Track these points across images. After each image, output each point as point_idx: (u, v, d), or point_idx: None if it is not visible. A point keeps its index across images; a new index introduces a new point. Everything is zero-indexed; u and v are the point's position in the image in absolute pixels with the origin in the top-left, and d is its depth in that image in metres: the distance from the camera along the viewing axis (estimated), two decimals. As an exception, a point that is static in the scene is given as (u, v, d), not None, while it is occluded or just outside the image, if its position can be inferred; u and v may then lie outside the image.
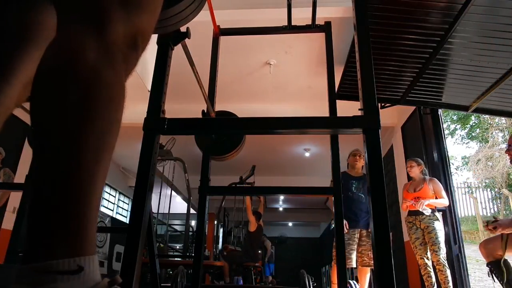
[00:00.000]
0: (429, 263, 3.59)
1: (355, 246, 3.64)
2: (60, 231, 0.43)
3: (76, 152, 0.46)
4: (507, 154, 3.00)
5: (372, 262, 3.46)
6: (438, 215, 3.73)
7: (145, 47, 0.64)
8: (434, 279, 3.53)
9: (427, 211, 3.66)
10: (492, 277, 2.72)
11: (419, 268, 3.71)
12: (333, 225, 3.29)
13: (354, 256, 3.60)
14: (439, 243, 3.53)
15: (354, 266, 3.62)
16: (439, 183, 3.87)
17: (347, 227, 3.57)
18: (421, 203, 3.62)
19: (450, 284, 3.43)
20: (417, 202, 3.67)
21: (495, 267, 2.68)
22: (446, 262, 3.49)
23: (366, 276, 3.67)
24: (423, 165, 3.96)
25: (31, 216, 0.44)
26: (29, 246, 0.43)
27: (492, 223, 2.67)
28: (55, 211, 0.44)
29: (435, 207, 3.73)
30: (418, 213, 3.71)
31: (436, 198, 3.73)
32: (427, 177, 3.94)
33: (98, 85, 0.50)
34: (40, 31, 0.72)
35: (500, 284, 2.69)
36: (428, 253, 3.62)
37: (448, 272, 3.45)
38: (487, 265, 2.75)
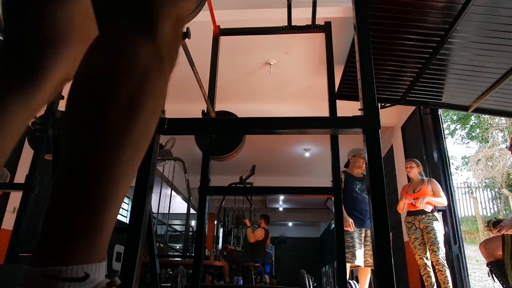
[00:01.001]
0: (429, 263, 3.59)
1: (362, 245, 3.63)
2: (75, 238, 0.43)
3: (106, 163, 0.45)
4: (510, 152, 3.01)
5: None
6: (438, 215, 3.73)
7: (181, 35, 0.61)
8: (433, 279, 3.53)
9: (428, 208, 3.66)
10: (492, 277, 2.72)
11: (419, 268, 3.71)
12: (333, 225, 3.29)
13: (361, 255, 3.58)
14: (438, 243, 3.53)
15: (362, 265, 3.59)
16: (437, 183, 3.88)
17: (353, 226, 3.56)
18: (421, 201, 3.62)
19: (450, 284, 3.42)
20: (417, 201, 3.68)
21: (495, 267, 2.68)
22: (445, 262, 3.49)
23: (367, 276, 3.65)
24: (421, 167, 3.99)
25: (47, 218, 0.44)
26: (40, 248, 0.43)
27: (495, 226, 2.65)
28: (73, 218, 0.44)
29: (435, 206, 3.74)
30: (417, 213, 3.71)
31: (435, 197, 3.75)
32: (425, 178, 3.94)
33: (148, 94, 0.48)
34: (74, 31, 0.69)
35: (500, 284, 2.69)
36: (428, 253, 3.61)
37: (448, 272, 3.45)
38: (487, 265, 2.75)
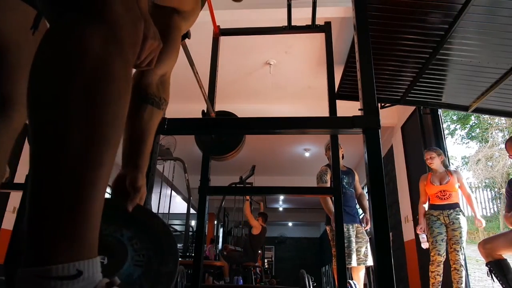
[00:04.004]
0: (443, 260, 3.38)
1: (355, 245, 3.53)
2: (59, 236, 0.42)
3: (78, 153, 0.44)
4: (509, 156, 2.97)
5: (368, 259, 3.44)
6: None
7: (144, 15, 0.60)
8: (441, 279, 3.36)
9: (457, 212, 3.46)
10: (492, 277, 2.72)
11: (431, 264, 3.39)
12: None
13: (355, 254, 3.45)
14: (463, 243, 3.36)
15: (356, 265, 3.43)
16: (462, 174, 3.67)
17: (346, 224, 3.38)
18: (481, 221, 3.37)
19: (463, 285, 3.25)
20: (479, 221, 3.40)
21: (495, 267, 2.68)
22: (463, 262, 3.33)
23: (360, 274, 3.51)
24: (443, 155, 3.74)
25: (29, 219, 0.43)
26: (28, 250, 0.42)
27: None
28: (54, 215, 0.43)
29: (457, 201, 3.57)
30: (444, 207, 3.50)
31: (461, 190, 3.58)
32: (450, 168, 3.73)
33: (105, 78, 0.46)
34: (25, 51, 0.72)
35: (499, 284, 2.69)
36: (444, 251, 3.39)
37: (464, 272, 3.28)
38: (486, 265, 2.75)
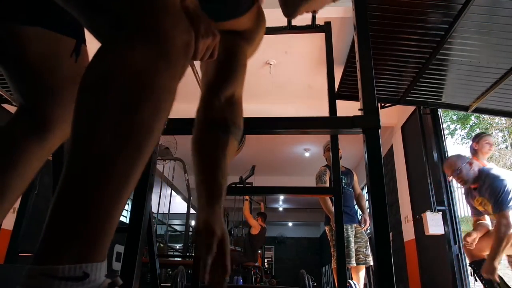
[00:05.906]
0: None
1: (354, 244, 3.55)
2: (73, 237, 0.44)
3: (109, 163, 0.46)
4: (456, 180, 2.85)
5: (368, 259, 3.43)
6: None
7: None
8: None
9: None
10: (474, 277, 2.73)
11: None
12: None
13: (354, 254, 3.46)
14: None
15: (355, 264, 3.44)
16: None
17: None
18: None
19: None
20: None
21: (478, 267, 2.68)
22: None
23: (360, 274, 3.52)
24: None
25: (48, 219, 0.44)
26: (41, 248, 0.44)
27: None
28: (73, 218, 0.44)
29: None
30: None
31: None
32: None
33: (150, 90, 0.48)
34: (68, 84, 0.79)
35: (481, 284, 2.69)
36: None
37: None
38: (469, 265, 2.76)
